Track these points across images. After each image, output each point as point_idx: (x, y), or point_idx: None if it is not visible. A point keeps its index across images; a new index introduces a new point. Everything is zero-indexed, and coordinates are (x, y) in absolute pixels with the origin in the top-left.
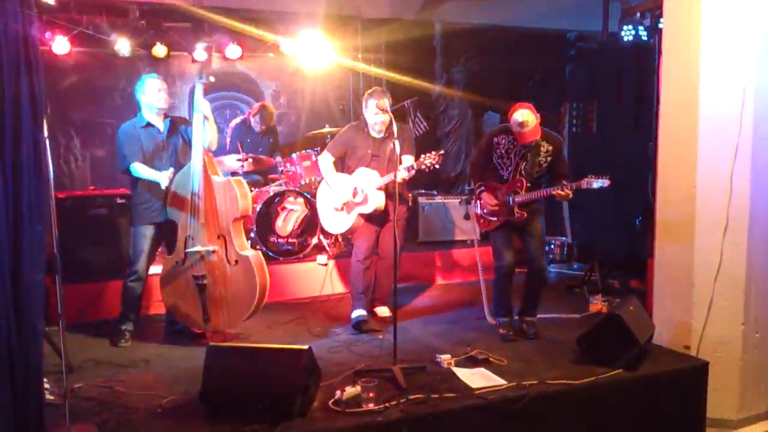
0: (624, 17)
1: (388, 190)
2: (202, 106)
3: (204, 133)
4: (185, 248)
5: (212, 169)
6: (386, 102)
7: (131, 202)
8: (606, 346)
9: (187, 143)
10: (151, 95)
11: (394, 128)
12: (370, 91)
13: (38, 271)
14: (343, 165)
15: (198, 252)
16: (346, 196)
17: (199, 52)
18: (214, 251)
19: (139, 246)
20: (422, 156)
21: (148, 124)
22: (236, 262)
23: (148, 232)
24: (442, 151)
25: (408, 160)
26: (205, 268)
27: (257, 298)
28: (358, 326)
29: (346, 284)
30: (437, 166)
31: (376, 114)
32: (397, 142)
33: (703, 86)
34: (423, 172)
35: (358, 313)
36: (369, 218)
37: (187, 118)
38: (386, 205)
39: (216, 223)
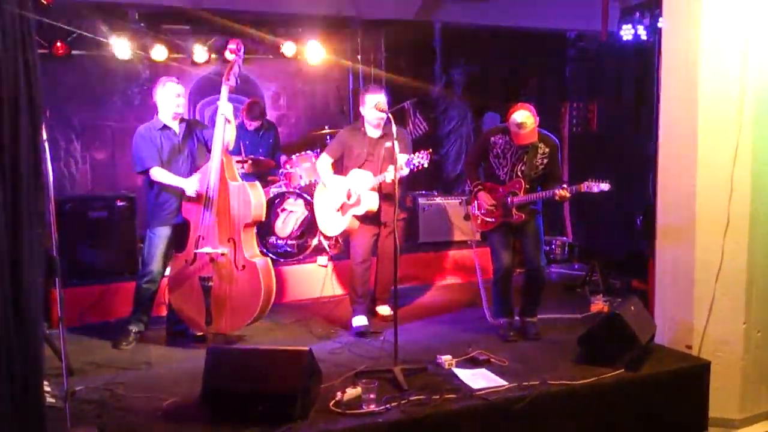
0: (623, 16)
1: (383, 191)
2: (225, 108)
3: (224, 134)
4: (195, 248)
5: (230, 173)
6: (383, 99)
7: (147, 202)
8: (607, 346)
9: (203, 146)
10: (169, 100)
11: (393, 129)
12: (366, 86)
13: (38, 273)
14: (341, 166)
15: (208, 254)
16: (341, 197)
17: (199, 54)
18: (223, 254)
19: (154, 247)
20: (411, 155)
21: (165, 127)
22: (243, 267)
23: (164, 233)
24: (430, 150)
25: (402, 158)
26: (213, 269)
27: (261, 304)
28: (361, 335)
29: (346, 286)
30: (425, 165)
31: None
32: (396, 142)
33: (703, 85)
34: (414, 171)
35: (360, 321)
36: (363, 220)
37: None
38: (380, 207)
39: (227, 226)
